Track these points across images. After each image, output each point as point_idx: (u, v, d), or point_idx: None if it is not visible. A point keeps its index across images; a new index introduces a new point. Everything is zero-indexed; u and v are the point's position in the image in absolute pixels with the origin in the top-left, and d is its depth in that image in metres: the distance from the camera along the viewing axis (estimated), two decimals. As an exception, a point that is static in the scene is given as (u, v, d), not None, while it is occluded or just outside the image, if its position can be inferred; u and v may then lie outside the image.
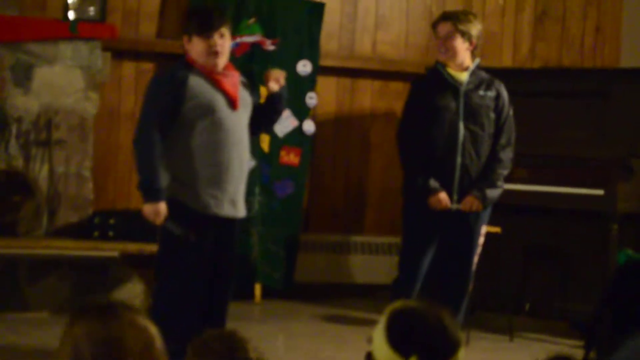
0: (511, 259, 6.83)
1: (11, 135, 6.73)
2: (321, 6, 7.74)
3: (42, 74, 6.79)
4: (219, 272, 4.96)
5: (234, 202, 4.91)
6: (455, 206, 5.71)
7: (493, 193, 5.75)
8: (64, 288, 6.61)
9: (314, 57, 7.67)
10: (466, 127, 5.72)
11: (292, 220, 7.65)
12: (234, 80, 4.93)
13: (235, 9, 7.42)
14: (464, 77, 5.78)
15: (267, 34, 7.51)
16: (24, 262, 6.60)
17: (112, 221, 6.79)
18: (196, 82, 4.84)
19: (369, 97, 8.12)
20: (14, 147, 6.74)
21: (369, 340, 2.36)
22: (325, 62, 7.79)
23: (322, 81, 7.84)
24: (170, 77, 4.90)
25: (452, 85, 5.76)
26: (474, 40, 5.79)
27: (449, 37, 5.75)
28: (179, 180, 4.84)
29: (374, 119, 8.08)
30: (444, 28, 5.78)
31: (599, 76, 7.23)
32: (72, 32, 6.79)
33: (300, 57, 7.63)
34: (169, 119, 4.81)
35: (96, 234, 6.77)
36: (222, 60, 4.90)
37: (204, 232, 4.86)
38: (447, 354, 2.27)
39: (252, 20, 7.47)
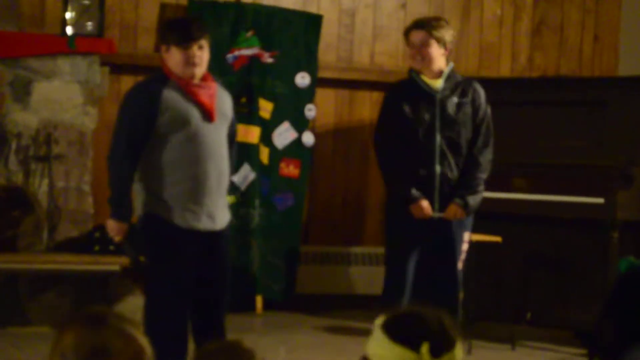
0: (512, 268, 6.82)
1: (10, 151, 6.73)
2: (319, 18, 7.75)
3: (41, 90, 6.80)
4: (209, 285, 4.88)
5: (211, 216, 4.81)
6: (437, 214, 5.67)
7: (475, 199, 5.71)
8: (64, 302, 6.61)
9: (312, 69, 7.68)
10: (443, 135, 5.67)
11: (292, 232, 7.65)
12: (210, 92, 4.82)
13: (234, 22, 7.43)
14: (438, 84, 5.72)
15: (266, 47, 7.52)
16: (25, 277, 6.60)
17: (112, 235, 6.77)
18: (170, 95, 4.75)
19: (367, 108, 8.12)
20: (13, 162, 6.74)
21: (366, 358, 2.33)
22: (323, 73, 7.79)
23: (321, 93, 7.85)
24: (144, 90, 4.82)
25: (427, 94, 5.71)
26: (449, 46, 5.75)
27: (424, 45, 5.69)
28: (156, 195, 4.77)
29: (373, 130, 8.06)
30: (418, 36, 5.71)
31: (597, 85, 7.23)
32: (70, 47, 6.80)
33: (299, 69, 7.63)
34: (144, 134, 4.74)
35: (97, 248, 6.76)
36: (200, 71, 4.79)
37: (184, 246, 4.79)
38: (448, 345, 2.26)
39: (250, 33, 7.48)
